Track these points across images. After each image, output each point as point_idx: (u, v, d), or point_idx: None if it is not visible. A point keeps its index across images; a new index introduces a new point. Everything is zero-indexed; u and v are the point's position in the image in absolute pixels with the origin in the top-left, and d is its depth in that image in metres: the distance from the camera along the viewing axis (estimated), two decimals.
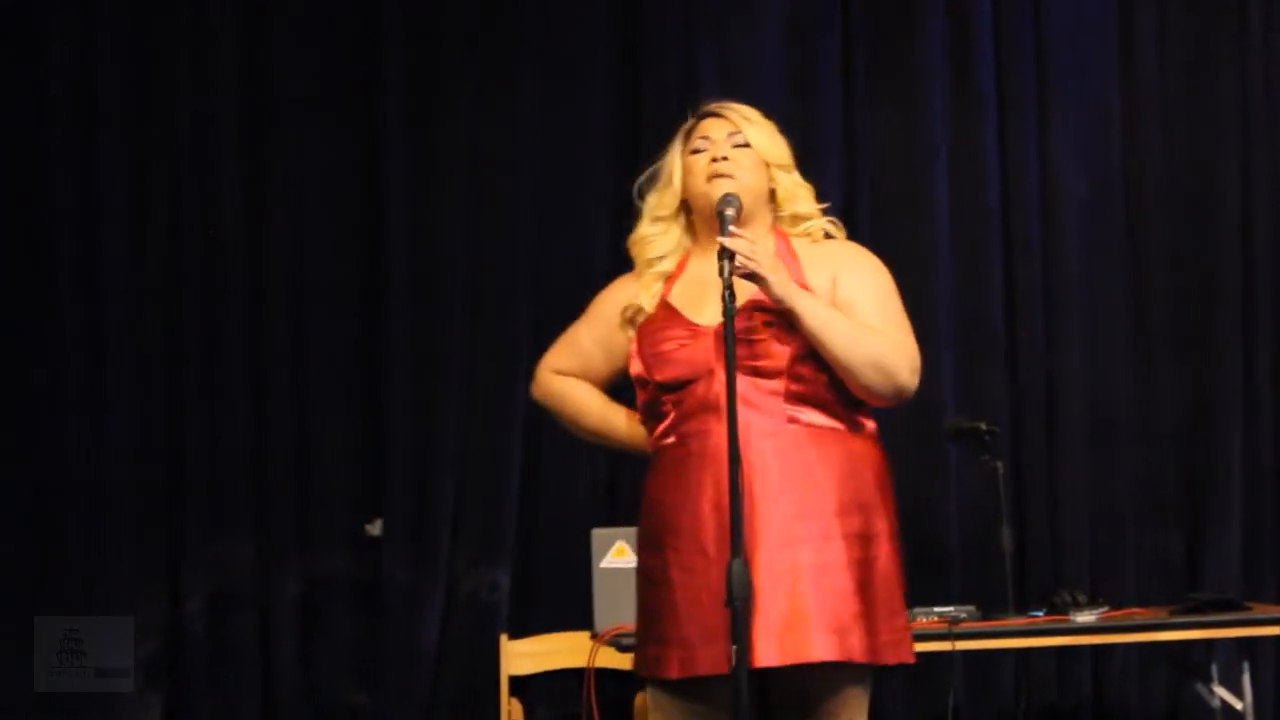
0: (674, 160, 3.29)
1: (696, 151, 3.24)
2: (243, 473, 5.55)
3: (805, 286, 3.14)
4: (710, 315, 3.09)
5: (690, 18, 5.77)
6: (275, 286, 5.63)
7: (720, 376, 3.03)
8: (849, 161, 5.74)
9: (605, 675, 4.98)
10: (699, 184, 3.20)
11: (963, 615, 4.84)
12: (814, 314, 3.06)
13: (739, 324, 3.03)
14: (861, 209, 5.66)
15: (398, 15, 5.68)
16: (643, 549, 3.20)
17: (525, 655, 5.35)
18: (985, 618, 4.90)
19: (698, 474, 3.06)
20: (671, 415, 3.14)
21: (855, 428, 3.17)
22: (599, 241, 5.63)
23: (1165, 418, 5.80)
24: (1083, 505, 5.69)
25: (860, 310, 3.16)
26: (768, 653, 2.98)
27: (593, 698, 4.63)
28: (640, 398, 3.25)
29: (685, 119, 3.38)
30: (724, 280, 2.93)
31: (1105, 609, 4.93)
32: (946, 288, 5.72)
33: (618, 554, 4.86)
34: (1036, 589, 5.45)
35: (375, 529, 5.60)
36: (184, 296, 5.59)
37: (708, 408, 3.07)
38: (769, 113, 3.40)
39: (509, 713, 5.23)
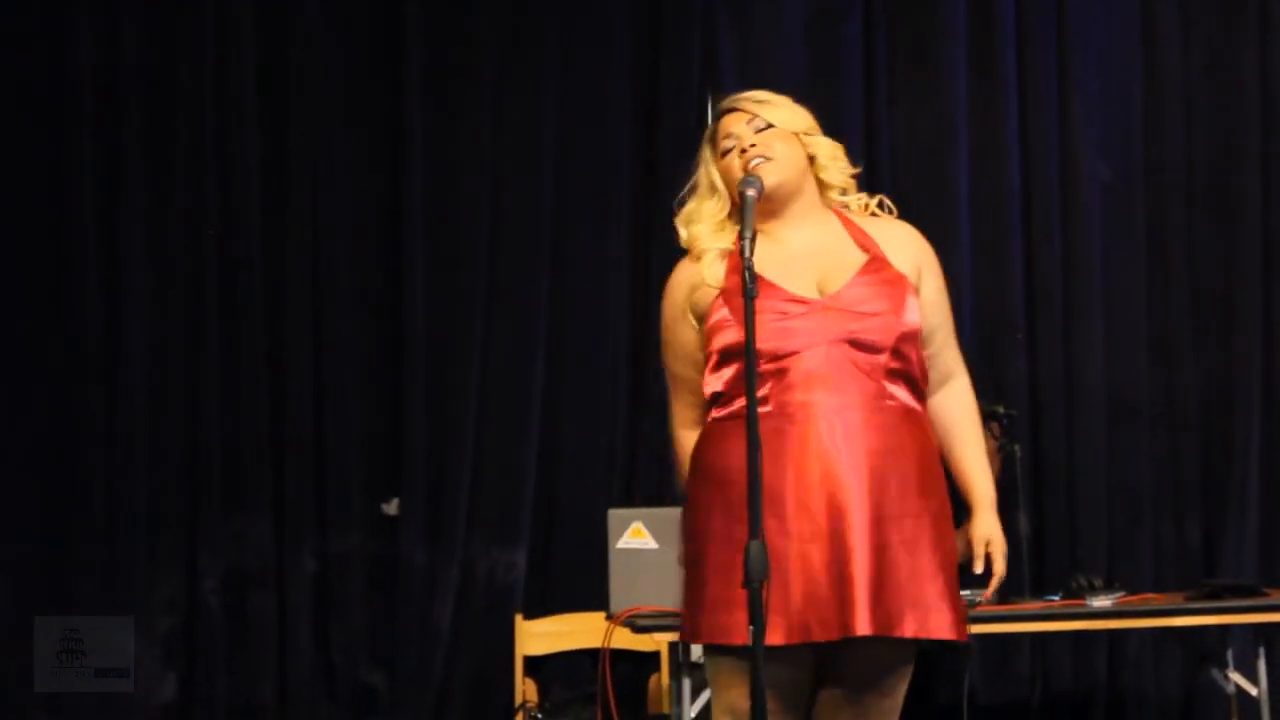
0: (709, 169, 3.27)
1: (727, 153, 3.23)
2: (261, 452, 5.58)
3: (888, 264, 3.21)
4: (807, 287, 3.13)
5: (712, 3, 5.77)
6: (295, 269, 5.66)
7: (827, 350, 3.08)
8: (870, 148, 5.73)
9: (620, 656, 4.99)
10: (740, 179, 3.17)
11: (979, 599, 4.84)
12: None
13: (848, 294, 3.11)
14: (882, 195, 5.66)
15: (419, 7, 5.70)
16: (716, 514, 3.11)
17: (540, 635, 5.37)
18: (1001, 601, 4.89)
19: (803, 445, 3.07)
20: (770, 384, 3.11)
21: (923, 410, 3.23)
22: (618, 230, 5.65)
23: (1184, 404, 5.79)
24: (1100, 490, 5.69)
25: (940, 334, 3.31)
26: (861, 623, 2.99)
27: (608, 678, 4.64)
28: (722, 367, 3.14)
29: (706, 107, 3.34)
30: (744, 261, 2.92)
31: (1121, 594, 4.92)
32: (967, 273, 5.71)
33: (634, 535, 4.84)
34: (1053, 573, 5.46)
35: (392, 509, 5.62)
36: (204, 280, 5.62)
37: (814, 380, 3.09)
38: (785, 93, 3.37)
39: (523, 693, 5.24)
